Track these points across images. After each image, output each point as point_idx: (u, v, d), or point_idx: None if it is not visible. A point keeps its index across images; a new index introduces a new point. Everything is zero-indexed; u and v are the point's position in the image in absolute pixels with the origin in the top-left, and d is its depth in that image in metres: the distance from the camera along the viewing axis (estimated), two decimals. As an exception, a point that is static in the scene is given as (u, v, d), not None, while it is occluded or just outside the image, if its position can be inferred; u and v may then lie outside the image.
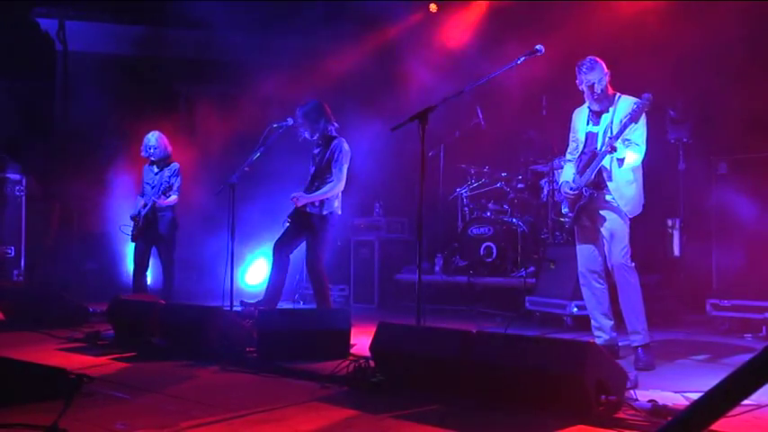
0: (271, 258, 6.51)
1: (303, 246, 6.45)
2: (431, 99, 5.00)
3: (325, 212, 6.34)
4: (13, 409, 3.57)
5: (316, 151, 6.51)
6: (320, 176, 6.39)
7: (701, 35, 7.14)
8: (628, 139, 4.83)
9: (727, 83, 7.34)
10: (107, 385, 4.23)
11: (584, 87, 5.01)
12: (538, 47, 4.84)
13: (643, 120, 4.85)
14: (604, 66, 5.00)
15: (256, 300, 6.43)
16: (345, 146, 6.41)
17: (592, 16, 7.68)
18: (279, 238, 6.48)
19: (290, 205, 6.43)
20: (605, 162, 4.90)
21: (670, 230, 8.35)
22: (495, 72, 4.89)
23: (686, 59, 7.40)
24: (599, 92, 4.97)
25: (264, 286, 6.56)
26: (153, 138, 7.87)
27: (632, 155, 4.85)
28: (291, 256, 6.48)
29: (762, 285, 6.17)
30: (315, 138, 6.46)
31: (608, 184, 4.94)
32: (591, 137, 5.09)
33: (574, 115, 5.28)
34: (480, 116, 8.87)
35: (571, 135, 5.32)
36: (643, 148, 4.90)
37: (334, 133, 6.47)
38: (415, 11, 11.06)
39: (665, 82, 7.44)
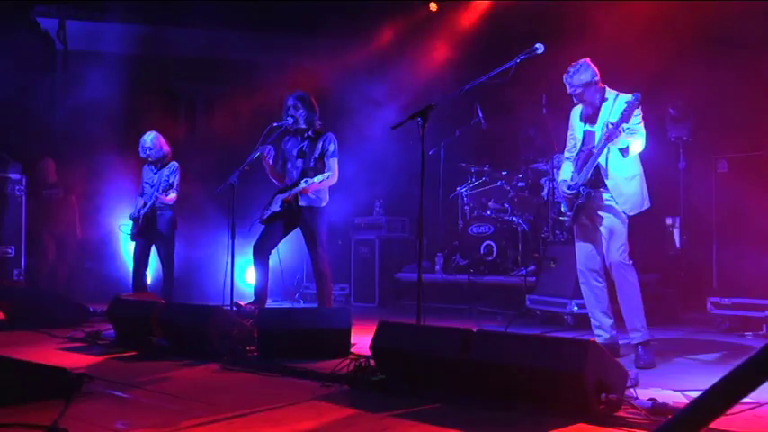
0: (254, 261, 6.51)
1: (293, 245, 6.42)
2: (431, 97, 5.00)
3: (323, 205, 6.37)
4: (13, 408, 3.57)
5: (303, 144, 6.45)
6: (314, 169, 6.36)
7: (700, 34, 7.14)
8: (623, 130, 4.82)
9: (727, 81, 7.33)
10: (107, 384, 4.23)
11: (571, 94, 5.03)
12: (537, 45, 4.83)
13: (639, 110, 4.85)
14: (594, 69, 4.96)
15: (248, 302, 6.44)
16: (336, 140, 6.43)
17: (593, 14, 7.67)
18: (260, 240, 6.47)
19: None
20: (602, 161, 4.89)
21: (670, 229, 8.35)
22: (494, 70, 4.88)
23: (686, 58, 7.40)
24: (586, 98, 4.98)
25: (253, 289, 6.58)
26: (149, 138, 7.87)
27: (635, 141, 4.83)
28: (291, 256, 6.48)
29: (762, 283, 6.17)
30: (302, 126, 6.42)
31: (606, 182, 4.94)
32: (588, 135, 5.08)
33: (572, 113, 5.28)
34: (480, 115, 8.87)
35: (569, 133, 5.32)
36: (643, 133, 4.87)
37: (323, 127, 6.48)
38: (415, 10, 11.06)
39: (666, 80, 7.44)
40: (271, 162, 6.47)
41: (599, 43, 6.48)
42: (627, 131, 4.80)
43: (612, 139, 4.75)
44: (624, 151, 4.84)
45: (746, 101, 7.10)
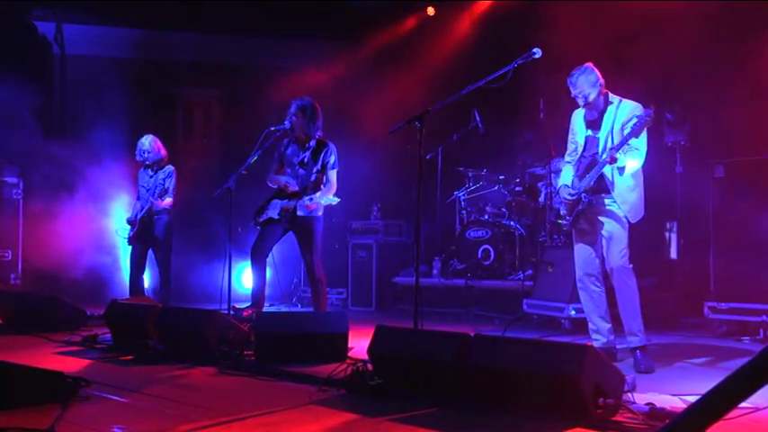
0: (251, 264, 6.52)
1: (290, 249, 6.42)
2: (428, 101, 5.00)
3: (320, 214, 6.39)
4: (9, 412, 3.56)
5: (305, 155, 6.46)
6: (315, 181, 6.39)
7: (698, 37, 7.15)
8: (628, 144, 4.84)
9: (724, 86, 7.34)
10: (104, 389, 4.22)
11: (575, 97, 5.02)
12: (534, 50, 4.84)
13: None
14: (598, 73, 4.97)
15: (245, 305, 6.44)
16: (336, 151, 6.45)
17: (591, 18, 7.68)
18: (256, 243, 6.49)
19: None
20: (607, 171, 4.89)
21: (668, 233, 8.36)
22: (492, 75, 4.89)
23: (684, 62, 7.41)
24: (591, 101, 4.97)
25: (251, 292, 6.59)
26: (146, 141, 7.87)
27: (633, 161, 4.85)
28: (288, 260, 6.47)
29: (759, 288, 6.17)
30: (300, 136, 6.42)
31: (611, 190, 4.93)
32: (591, 141, 5.07)
33: (573, 116, 5.26)
34: (478, 119, 8.88)
35: (570, 136, 5.30)
36: (644, 152, 4.89)
37: (324, 138, 6.49)
38: (412, 13, 11.08)
39: (663, 85, 7.45)
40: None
41: (596, 47, 6.50)
42: (628, 151, 4.82)
43: (614, 163, 4.77)
44: (621, 170, 4.86)
45: (743, 106, 7.10)
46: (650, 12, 7.61)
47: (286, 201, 6.38)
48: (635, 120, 4.74)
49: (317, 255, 6.40)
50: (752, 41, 7.04)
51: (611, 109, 4.98)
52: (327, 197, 6.19)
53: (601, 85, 4.97)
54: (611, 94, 5.03)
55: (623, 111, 4.93)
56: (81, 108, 10.84)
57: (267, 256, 6.54)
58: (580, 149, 5.14)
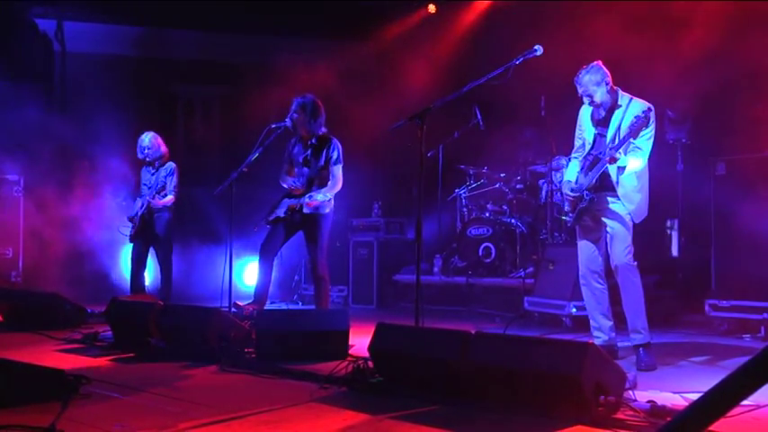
0: (259, 261, 6.51)
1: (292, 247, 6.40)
2: (429, 99, 5.00)
3: (328, 211, 6.37)
4: (10, 410, 3.56)
5: (308, 152, 6.45)
6: (319, 177, 6.37)
7: (699, 36, 7.14)
8: (631, 143, 4.82)
9: (725, 84, 7.33)
10: (105, 386, 4.23)
11: (581, 96, 5.01)
12: (536, 47, 4.83)
13: (652, 126, 4.83)
14: (605, 72, 4.93)
15: (248, 302, 6.43)
16: (340, 146, 6.44)
17: (592, 15, 7.67)
18: (266, 241, 6.48)
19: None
20: (611, 169, 4.88)
21: (669, 231, 8.36)
22: (493, 72, 4.88)
23: (685, 60, 7.40)
24: (596, 101, 4.96)
25: (254, 289, 6.59)
26: (146, 139, 7.86)
27: (634, 161, 4.83)
28: (290, 258, 6.46)
29: (760, 286, 6.17)
30: (301, 134, 6.42)
31: (616, 189, 4.92)
32: (600, 140, 5.03)
33: (580, 112, 5.22)
34: (479, 116, 8.87)
35: (577, 132, 5.26)
36: (646, 153, 4.86)
37: (327, 134, 6.47)
38: (413, 11, 11.08)
39: (664, 82, 7.43)
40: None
41: (597, 45, 6.50)
42: (631, 150, 4.80)
43: (614, 162, 4.77)
44: (621, 169, 4.85)
45: (745, 103, 7.09)
46: (651, 9, 7.60)
47: (294, 200, 6.38)
48: (633, 120, 4.74)
49: (323, 252, 6.37)
50: (754, 38, 7.03)
51: (619, 109, 4.95)
52: (323, 193, 6.18)
53: (607, 84, 4.93)
54: (621, 93, 4.98)
55: (632, 110, 4.87)
56: (81, 105, 10.84)
57: (275, 254, 6.52)
58: (588, 146, 5.12)
